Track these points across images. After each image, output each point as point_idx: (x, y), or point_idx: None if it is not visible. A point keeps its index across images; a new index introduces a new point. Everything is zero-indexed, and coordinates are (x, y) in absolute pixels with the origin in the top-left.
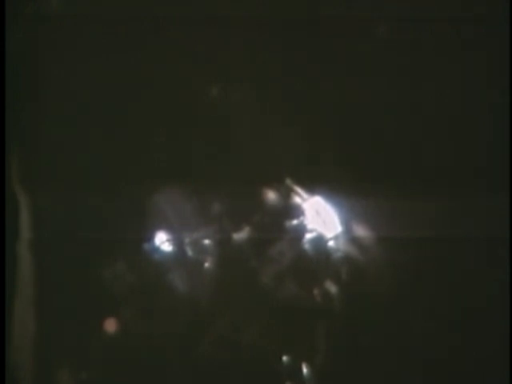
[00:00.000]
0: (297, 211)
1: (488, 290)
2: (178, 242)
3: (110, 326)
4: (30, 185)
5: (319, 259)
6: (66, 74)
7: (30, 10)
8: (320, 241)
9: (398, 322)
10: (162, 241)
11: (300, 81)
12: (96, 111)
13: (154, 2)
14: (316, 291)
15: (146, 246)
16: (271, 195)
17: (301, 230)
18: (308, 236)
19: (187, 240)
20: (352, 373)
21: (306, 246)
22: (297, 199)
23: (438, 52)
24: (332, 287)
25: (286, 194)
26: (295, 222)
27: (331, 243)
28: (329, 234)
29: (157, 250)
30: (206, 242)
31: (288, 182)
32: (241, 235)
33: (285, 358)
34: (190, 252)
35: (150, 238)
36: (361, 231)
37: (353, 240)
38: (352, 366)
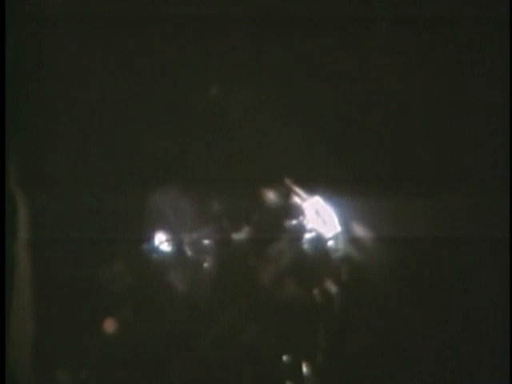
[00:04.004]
0: (296, 211)
1: (488, 289)
2: (177, 241)
3: (110, 325)
4: (29, 184)
5: (319, 259)
6: (66, 74)
7: (29, 10)
8: (319, 241)
9: (397, 321)
10: (162, 241)
11: (300, 81)
12: (96, 111)
13: (154, 1)
14: (315, 291)
15: (146, 246)
16: (271, 195)
17: (300, 229)
18: (307, 236)
19: (187, 240)
20: (352, 372)
21: (306, 246)
22: (296, 199)
23: (437, 52)
24: (331, 287)
25: (286, 193)
26: (295, 221)
27: (331, 243)
28: (328, 234)
29: (156, 250)
30: (206, 241)
31: (287, 181)
32: (240, 235)
33: (285, 358)
34: (189, 252)
35: (150, 238)
36: (360, 231)
37: (352, 240)
38: (352, 366)
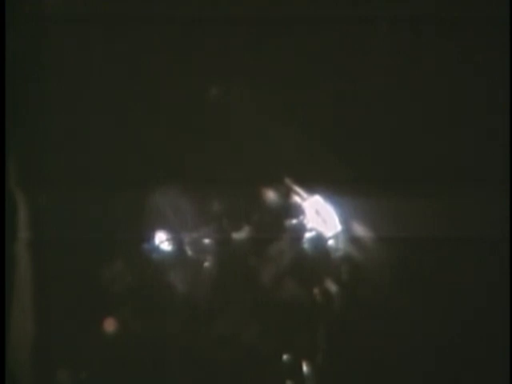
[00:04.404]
0: (296, 210)
1: (488, 290)
2: (177, 241)
3: (110, 325)
4: (29, 184)
5: (319, 258)
6: (66, 74)
7: (29, 10)
8: (320, 240)
9: (397, 321)
10: (162, 240)
11: (300, 81)
12: (96, 111)
13: (153, 2)
14: (316, 290)
15: (146, 245)
16: (271, 195)
17: (300, 229)
18: (307, 235)
19: (187, 240)
20: (352, 372)
21: (306, 246)
22: (296, 198)
23: (437, 52)
24: (332, 286)
25: (286, 193)
26: (295, 221)
27: (331, 242)
28: (328, 234)
29: (156, 249)
30: (206, 241)
31: (287, 181)
32: (240, 235)
33: (285, 357)
34: (189, 252)
35: (150, 238)
36: (360, 230)
37: (352, 239)
38: (352, 366)
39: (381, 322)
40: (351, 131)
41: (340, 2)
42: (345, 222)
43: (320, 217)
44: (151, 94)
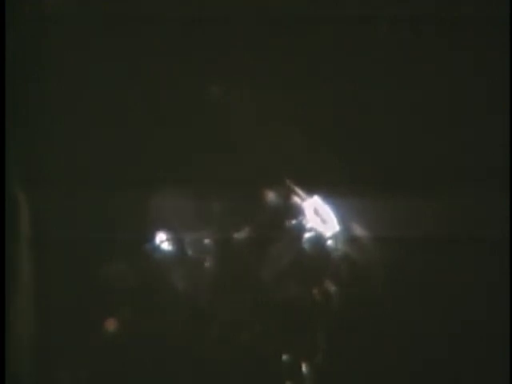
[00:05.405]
0: (296, 211)
1: (488, 290)
2: (178, 241)
3: (110, 325)
4: (29, 184)
5: (318, 258)
6: (66, 74)
7: (29, 10)
8: (319, 240)
9: (396, 321)
10: (162, 240)
11: (300, 81)
12: (96, 111)
13: (153, 2)
14: (315, 290)
15: (146, 245)
16: (270, 195)
17: (300, 229)
18: (307, 235)
19: (187, 240)
20: (351, 371)
21: (305, 246)
22: (296, 199)
23: (437, 52)
24: (331, 286)
25: (285, 193)
26: (294, 221)
27: (330, 242)
28: (327, 234)
29: (157, 249)
30: (206, 241)
31: (287, 181)
32: (240, 235)
33: (284, 358)
34: (190, 252)
35: (150, 238)
36: (359, 230)
37: (351, 239)
38: (351, 365)
39: (380, 321)
40: (351, 131)
41: (340, 2)
42: (344, 222)
43: (319, 217)
44: (151, 94)
